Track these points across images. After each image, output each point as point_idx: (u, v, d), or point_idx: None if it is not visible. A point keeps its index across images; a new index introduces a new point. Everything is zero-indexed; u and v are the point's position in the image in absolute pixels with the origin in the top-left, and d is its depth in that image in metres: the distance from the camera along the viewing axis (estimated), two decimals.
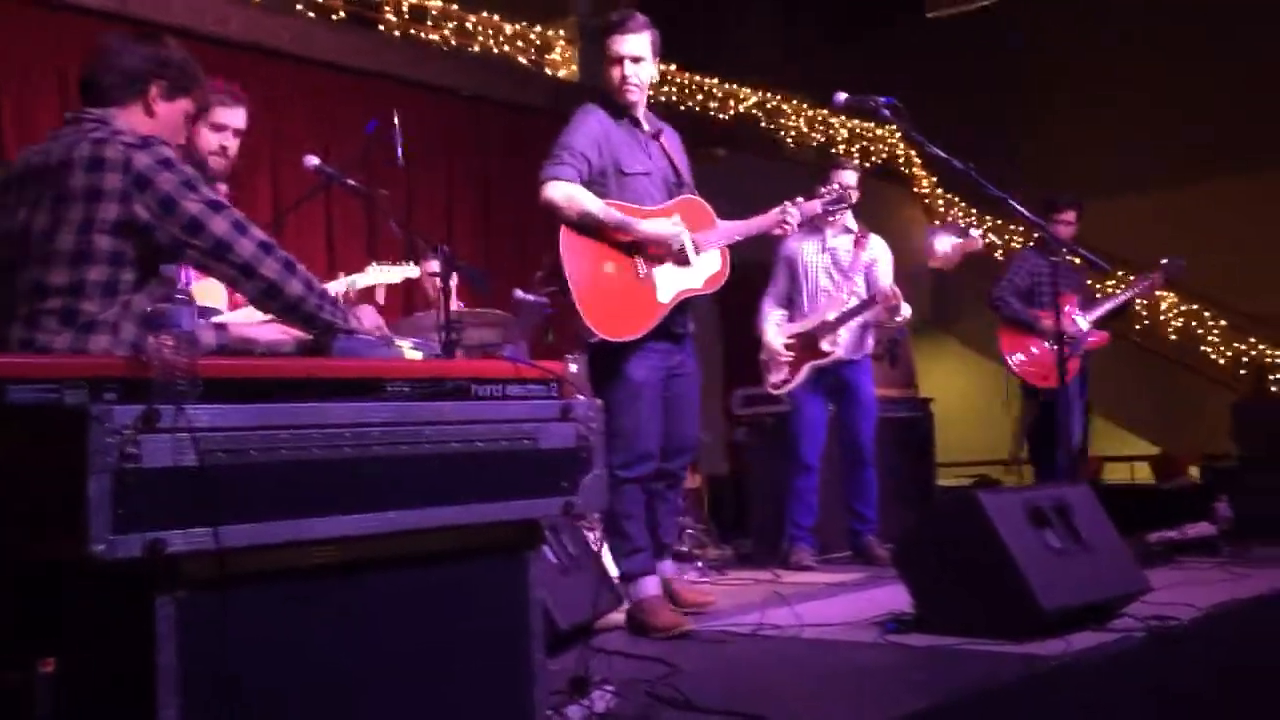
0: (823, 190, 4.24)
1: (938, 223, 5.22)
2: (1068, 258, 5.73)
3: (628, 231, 3.64)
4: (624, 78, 3.74)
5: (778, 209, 3.93)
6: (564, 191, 3.61)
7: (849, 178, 5.21)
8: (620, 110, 3.82)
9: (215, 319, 2.70)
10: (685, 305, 3.76)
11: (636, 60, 3.75)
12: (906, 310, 5.16)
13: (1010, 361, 5.92)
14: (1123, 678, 2.92)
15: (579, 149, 3.68)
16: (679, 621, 3.52)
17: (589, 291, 3.58)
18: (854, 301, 5.28)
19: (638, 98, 3.80)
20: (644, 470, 3.68)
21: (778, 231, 3.97)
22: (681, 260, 3.71)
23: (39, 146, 2.40)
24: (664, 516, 3.92)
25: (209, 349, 2.31)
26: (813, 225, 5.24)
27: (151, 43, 2.54)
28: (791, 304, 5.41)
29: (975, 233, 5.35)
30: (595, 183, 3.69)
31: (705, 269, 3.76)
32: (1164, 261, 5.97)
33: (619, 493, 3.62)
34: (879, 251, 5.44)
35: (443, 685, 1.84)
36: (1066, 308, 5.74)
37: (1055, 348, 5.60)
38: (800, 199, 4.01)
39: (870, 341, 5.47)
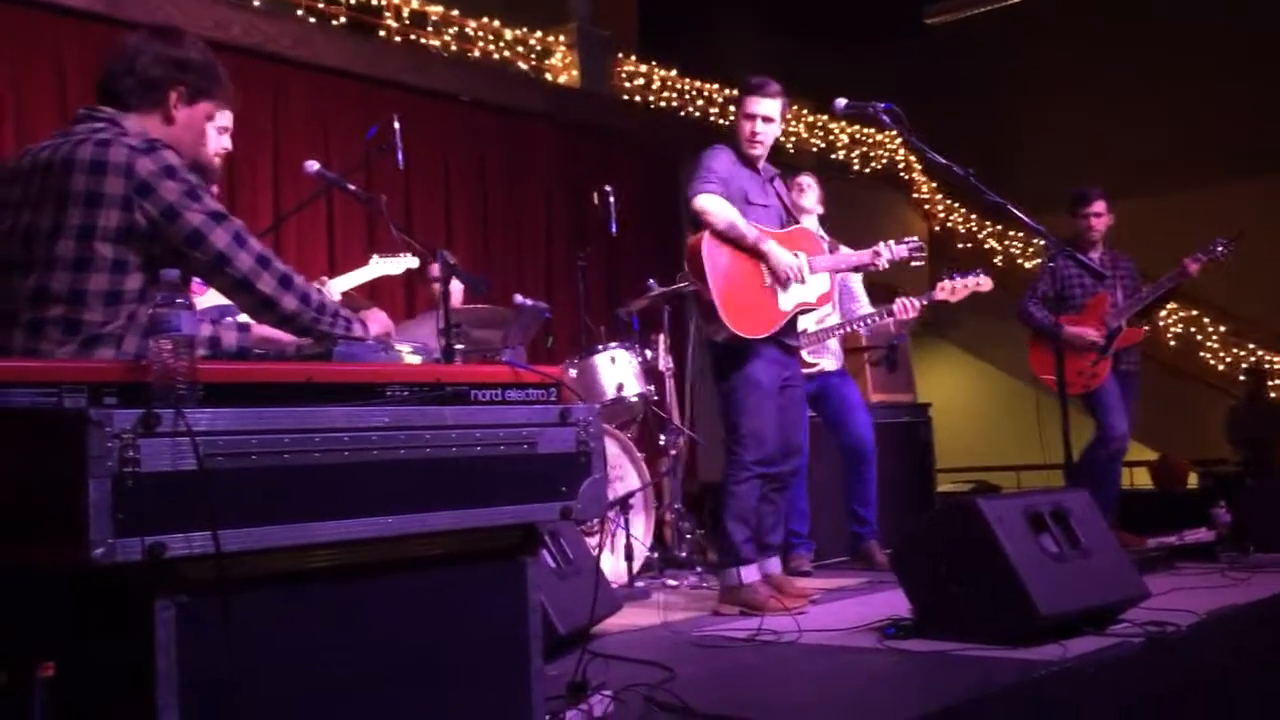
0: (907, 240, 4.62)
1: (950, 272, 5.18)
2: (1110, 248, 5.75)
3: (760, 246, 4.12)
4: (754, 133, 4.24)
5: (872, 250, 4.51)
6: (715, 202, 4.10)
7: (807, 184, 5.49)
8: (743, 156, 4.30)
9: (238, 318, 2.69)
10: (794, 322, 4.32)
11: (768, 120, 4.24)
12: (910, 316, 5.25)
13: (1047, 381, 5.72)
14: (1120, 683, 2.92)
15: (716, 171, 4.17)
16: (792, 598, 4.04)
17: (725, 291, 4.07)
18: (817, 314, 5.33)
19: (761, 152, 4.31)
20: (771, 468, 4.17)
21: (870, 268, 4.57)
22: (799, 278, 4.22)
23: (48, 142, 2.34)
24: (769, 517, 4.28)
25: (230, 350, 2.31)
26: None
27: (171, 44, 2.45)
28: None
29: (985, 279, 5.17)
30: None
31: (817, 287, 4.29)
32: (1214, 243, 5.79)
33: (749, 485, 4.14)
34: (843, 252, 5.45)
35: (441, 689, 1.84)
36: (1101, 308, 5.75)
37: (1084, 354, 5.64)
38: (891, 242, 4.53)
39: (821, 362, 5.44)
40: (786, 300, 4.19)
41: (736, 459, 4.13)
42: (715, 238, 4.10)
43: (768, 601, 3.96)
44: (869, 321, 5.37)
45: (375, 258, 4.80)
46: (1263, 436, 9.77)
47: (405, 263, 4.82)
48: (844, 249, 5.11)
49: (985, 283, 5.18)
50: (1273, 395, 11.52)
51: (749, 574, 4.08)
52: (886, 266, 4.53)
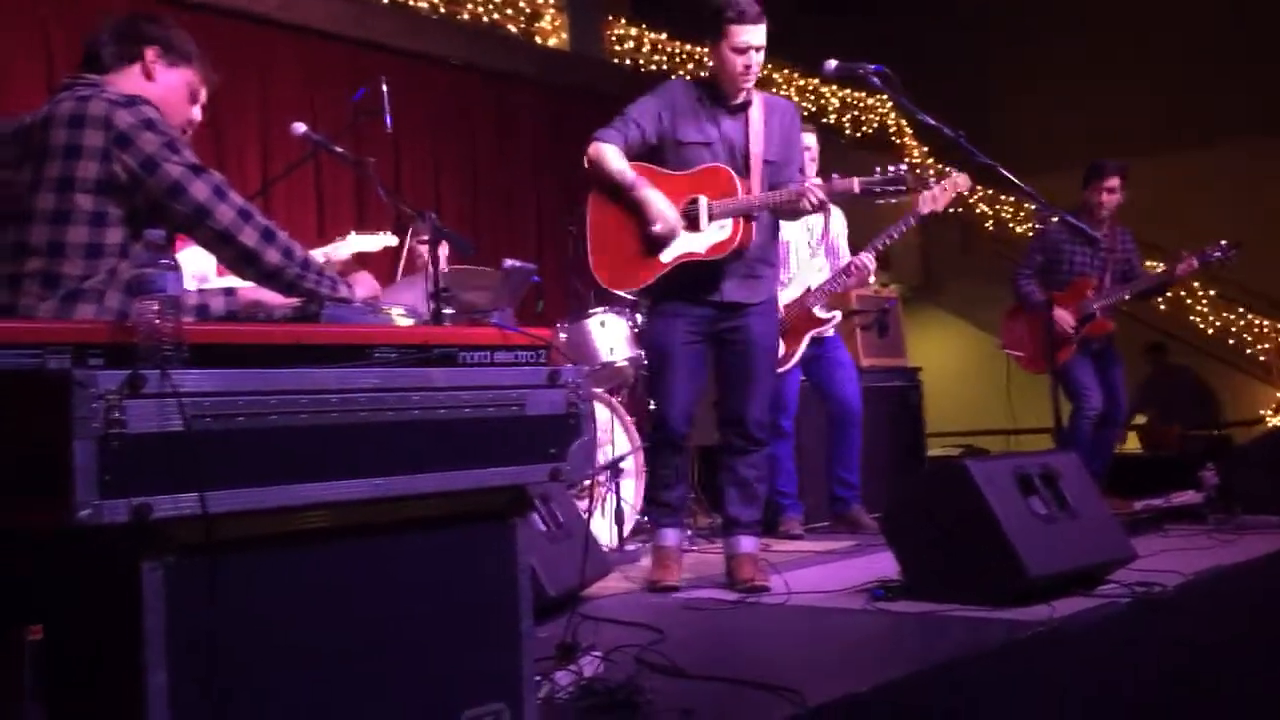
0: (877, 169, 3.90)
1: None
2: (1112, 225, 5.74)
3: (634, 194, 3.78)
4: (747, 68, 3.77)
5: (798, 185, 3.82)
6: (597, 151, 3.84)
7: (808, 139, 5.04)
8: (710, 88, 3.88)
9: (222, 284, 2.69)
10: (720, 272, 3.79)
11: (760, 50, 3.78)
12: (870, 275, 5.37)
13: (1010, 355, 5.93)
14: (1107, 643, 2.94)
15: (633, 116, 3.88)
16: (662, 577, 3.77)
17: (598, 242, 3.87)
18: (814, 266, 5.42)
19: (750, 84, 3.84)
20: (667, 432, 3.82)
21: (803, 205, 3.79)
22: (693, 225, 3.78)
23: (32, 112, 2.38)
24: (726, 487, 3.91)
25: (217, 315, 2.31)
26: None
27: (149, 16, 2.55)
28: None
29: (959, 175, 4.97)
30: (655, 148, 3.87)
31: (712, 236, 3.78)
32: (1211, 246, 5.69)
33: (654, 450, 3.94)
34: (840, 222, 5.54)
35: (431, 650, 1.84)
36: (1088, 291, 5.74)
37: (1045, 333, 5.62)
38: (835, 175, 3.88)
39: (836, 313, 5.46)
40: (669, 251, 3.79)
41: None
42: (598, 187, 3.88)
43: (661, 579, 3.79)
44: (830, 288, 5.36)
45: (353, 234, 4.77)
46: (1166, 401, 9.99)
47: (383, 240, 4.80)
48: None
49: (962, 181, 5.00)
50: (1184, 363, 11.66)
51: (661, 537, 3.92)
52: (815, 204, 3.77)
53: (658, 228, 3.74)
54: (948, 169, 5.15)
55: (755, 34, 3.74)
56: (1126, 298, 5.85)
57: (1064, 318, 5.62)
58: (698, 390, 3.89)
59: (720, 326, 3.84)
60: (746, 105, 3.87)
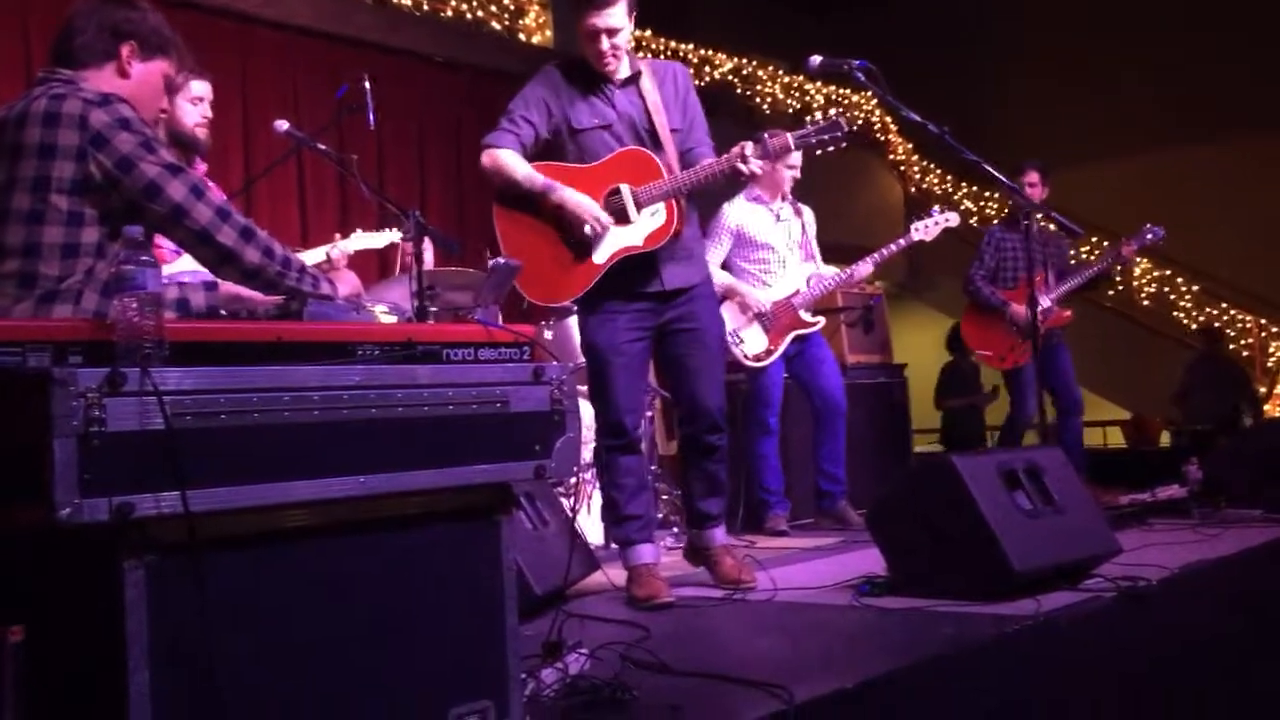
0: (809, 121, 3.78)
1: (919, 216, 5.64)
2: (1041, 227, 5.85)
3: (549, 198, 3.52)
4: (601, 53, 3.54)
5: (733, 150, 3.52)
6: (494, 159, 3.56)
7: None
8: (589, 71, 3.63)
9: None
10: (657, 259, 3.56)
11: (613, 32, 3.53)
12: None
13: (979, 354, 6.34)
14: (1093, 637, 2.95)
15: (519, 114, 3.60)
16: (655, 593, 3.42)
17: (517, 257, 3.48)
18: (802, 271, 5.46)
19: (616, 66, 3.61)
20: (617, 440, 3.60)
21: (738, 172, 3.54)
22: (621, 218, 3.54)
23: (6, 105, 2.35)
24: (694, 482, 3.73)
25: (198, 310, 2.29)
26: (754, 195, 5.33)
27: (123, 5, 2.47)
28: (738, 272, 5.40)
29: (952, 215, 5.51)
30: (552, 144, 3.63)
31: (647, 225, 3.54)
32: (1144, 230, 6.07)
33: (609, 460, 3.64)
34: (811, 221, 5.59)
35: (416, 649, 1.83)
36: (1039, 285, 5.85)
37: (1013, 329, 5.83)
38: (764, 134, 3.58)
39: (821, 318, 5.56)
40: (604, 250, 3.53)
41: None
42: (502, 197, 3.59)
43: (653, 595, 3.43)
44: (815, 294, 5.43)
45: (358, 231, 4.77)
46: (1224, 397, 9.89)
47: (387, 237, 4.79)
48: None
49: (953, 219, 5.52)
50: (1234, 353, 11.66)
51: (636, 555, 3.59)
52: (757, 170, 3.56)
53: (588, 229, 3.49)
54: (942, 209, 5.54)
55: (605, 16, 3.49)
56: (1078, 286, 6.14)
57: (1018, 312, 5.89)
58: (644, 390, 3.68)
59: (665, 318, 3.61)
60: (636, 76, 3.64)
